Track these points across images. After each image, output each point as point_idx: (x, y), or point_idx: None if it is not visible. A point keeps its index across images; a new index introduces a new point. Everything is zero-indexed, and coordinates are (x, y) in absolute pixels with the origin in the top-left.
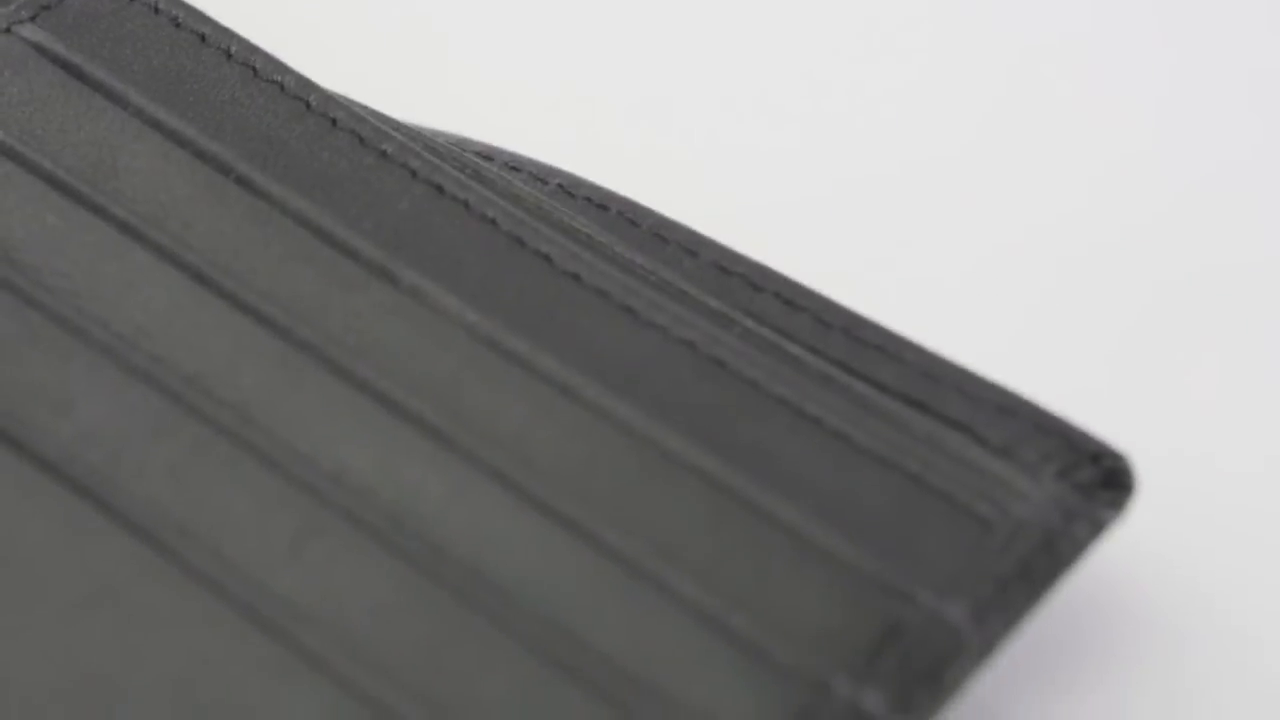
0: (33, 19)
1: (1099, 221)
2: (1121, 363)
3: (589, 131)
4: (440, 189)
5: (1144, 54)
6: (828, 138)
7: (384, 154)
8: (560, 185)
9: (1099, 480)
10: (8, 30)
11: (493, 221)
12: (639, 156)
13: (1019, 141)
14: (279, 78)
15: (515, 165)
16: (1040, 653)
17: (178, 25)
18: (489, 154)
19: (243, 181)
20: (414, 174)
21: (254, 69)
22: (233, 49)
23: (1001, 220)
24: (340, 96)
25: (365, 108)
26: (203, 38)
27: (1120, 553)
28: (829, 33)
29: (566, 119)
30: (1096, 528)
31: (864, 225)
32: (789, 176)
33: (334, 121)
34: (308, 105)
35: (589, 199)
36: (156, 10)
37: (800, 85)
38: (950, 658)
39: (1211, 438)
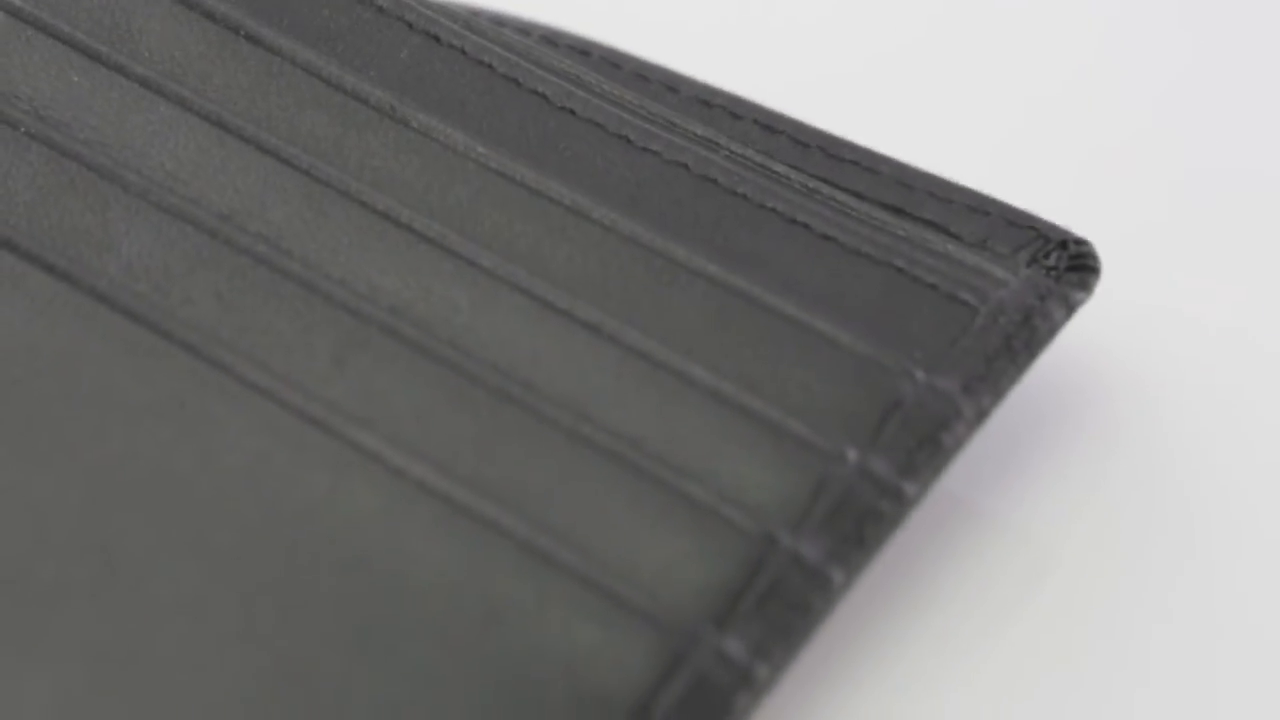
0: None
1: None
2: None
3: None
4: (437, 38)
5: None
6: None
7: (380, 9)
8: (543, 36)
9: (1067, 265)
10: None
11: (489, 65)
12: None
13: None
14: None
15: (499, 21)
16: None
17: None
18: (474, 11)
19: (252, 38)
20: (411, 26)
21: None
22: None
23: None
24: None
25: None
26: None
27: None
28: None
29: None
30: (1069, 307)
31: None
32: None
33: None
34: None
35: (571, 47)
36: None
37: None
38: (946, 424)
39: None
